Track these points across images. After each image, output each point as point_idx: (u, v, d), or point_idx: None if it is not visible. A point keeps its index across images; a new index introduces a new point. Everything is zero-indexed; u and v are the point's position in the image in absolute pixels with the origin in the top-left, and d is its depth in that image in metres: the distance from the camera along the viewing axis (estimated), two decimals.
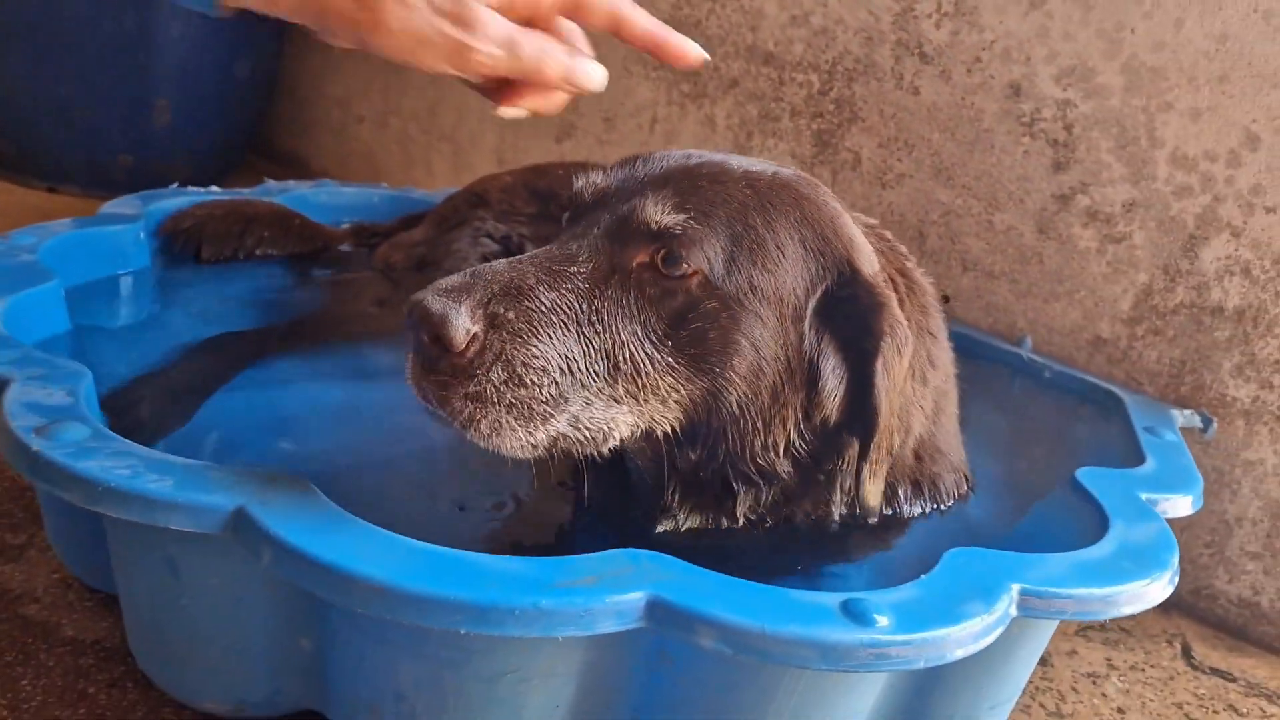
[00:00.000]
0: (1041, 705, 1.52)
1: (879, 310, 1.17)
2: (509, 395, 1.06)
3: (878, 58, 2.13)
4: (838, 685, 1.03)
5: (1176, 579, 1.20)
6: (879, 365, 1.16)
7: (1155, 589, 1.15)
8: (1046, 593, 1.07)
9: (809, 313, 1.18)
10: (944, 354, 1.42)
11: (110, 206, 1.85)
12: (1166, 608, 1.84)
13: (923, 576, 1.04)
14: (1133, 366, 1.86)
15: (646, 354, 1.13)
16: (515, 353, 1.07)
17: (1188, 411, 1.75)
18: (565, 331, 1.10)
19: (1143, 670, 1.64)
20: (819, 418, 1.20)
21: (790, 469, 1.22)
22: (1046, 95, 1.91)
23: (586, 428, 1.12)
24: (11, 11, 2.86)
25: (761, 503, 1.25)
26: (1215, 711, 1.57)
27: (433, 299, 1.05)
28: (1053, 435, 1.76)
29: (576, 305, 1.12)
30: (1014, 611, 1.05)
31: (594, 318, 1.12)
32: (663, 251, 1.14)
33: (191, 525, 0.96)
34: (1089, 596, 1.09)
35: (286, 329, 1.76)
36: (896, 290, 1.30)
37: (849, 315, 1.19)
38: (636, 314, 1.14)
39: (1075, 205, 1.90)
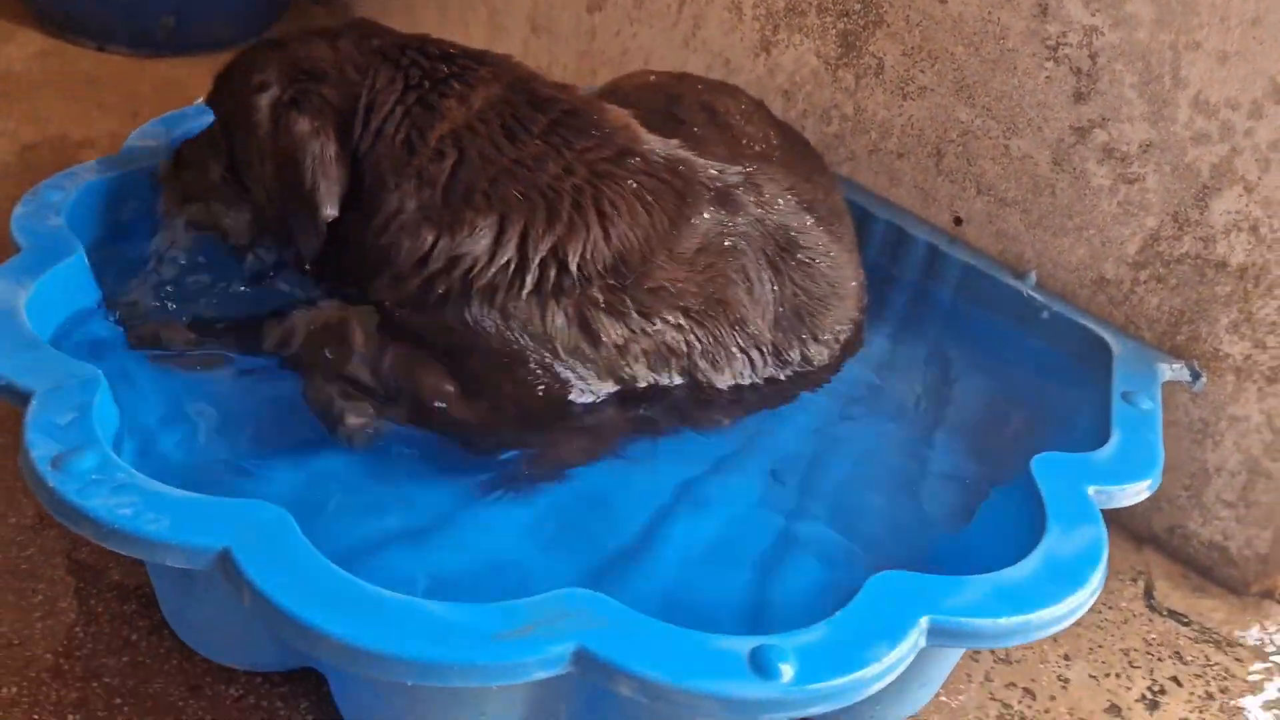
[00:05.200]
0: (990, 649, 1.64)
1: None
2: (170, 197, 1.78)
3: None
4: None
5: (1099, 590, 1.28)
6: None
7: (1073, 609, 1.24)
8: (956, 624, 1.17)
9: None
10: (461, 117, 1.55)
11: (136, 138, 1.91)
12: (1139, 543, 1.93)
13: (836, 613, 1.14)
14: (1133, 310, 1.85)
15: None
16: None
17: (1178, 365, 1.76)
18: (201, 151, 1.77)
19: (1099, 612, 1.75)
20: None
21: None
22: (1074, 19, 1.81)
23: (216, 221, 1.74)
24: None
25: None
26: (1160, 660, 1.68)
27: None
28: (1027, 402, 1.80)
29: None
30: (922, 643, 1.16)
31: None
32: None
33: (186, 564, 1.11)
34: (999, 629, 1.18)
35: None
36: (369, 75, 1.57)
37: None
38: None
39: (1092, 140, 1.83)
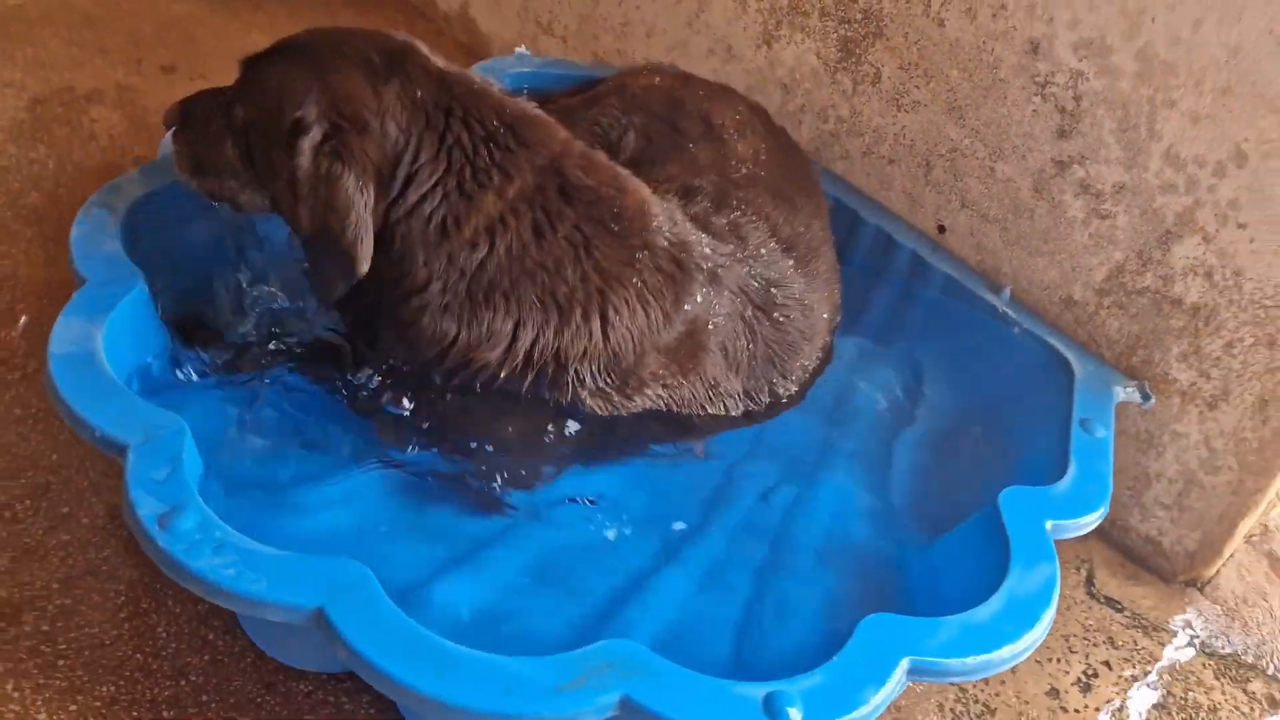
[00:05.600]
0: None
1: (295, 137, 1.61)
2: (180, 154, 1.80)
3: None
4: None
5: (1051, 623, 1.52)
6: (298, 164, 1.61)
7: (1030, 644, 1.47)
8: (932, 665, 1.40)
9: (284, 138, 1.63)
10: (497, 224, 1.64)
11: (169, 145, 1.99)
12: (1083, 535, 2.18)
13: (834, 658, 1.36)
14: (1095, 330, 2.04)
15: (234, 154, 1.74)
16: (186, 138, 1.79)
17: (1130, 388, 1.97)
18: (209, 129, 1.76)
19: None
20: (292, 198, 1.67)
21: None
22: (1062, 61, 1.94)
23: (224, 191, 1.78)
24: None
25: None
26: (1095, 645, 1.95)
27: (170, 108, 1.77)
28: (990, 414, 2.00)
29: (217, 120, 1.75)
30: (904, 682, 1.39)
31: (222, 123, 1.74)
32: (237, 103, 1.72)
33: (284, 619, 1.29)
34: (967, 667, 1.41)
35: None
36: (416, 143, 1.62)
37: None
38: (228, 135, 1.74)
39: (1071, 174, 1.99)
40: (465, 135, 1.62)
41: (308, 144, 1.58)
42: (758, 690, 1.30)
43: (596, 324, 1.66)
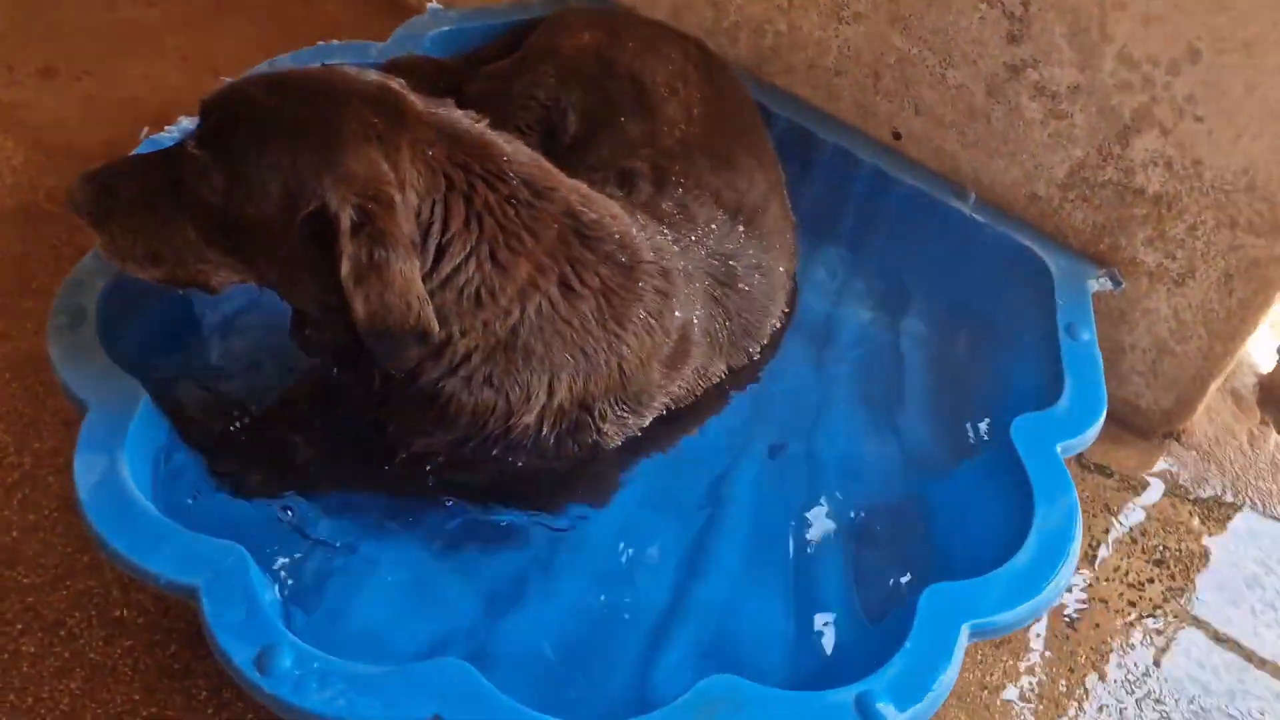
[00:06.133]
0: None
1: (335, 234, 1.44)
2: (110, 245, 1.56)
3: None
4: None
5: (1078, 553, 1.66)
6: (343, 271, 1.43)
7: (1065, 578, 1.61)
8: (989, 625, 1.53)
9: (297, 229, 1.46)
10: (527, 286, 1.58)
11: None
12: None
13: (905, 644, 1.48)
14: (1061, 223, 2.11)
15: (199, 237, 1.55)
16: (119, 221, 1.56)
17: (1101, 276, 2.06)
18: (151, 214, 1.55)
19: None
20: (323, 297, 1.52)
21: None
22: None
23: (182, 274, 1.60)
24: None
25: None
26: (1095, 514, 2.12)
27: (75, 185, 1.53)
28: (980, 330, 2.09)
29: (159, 200, 1.54)
30: (965, 645, 1.52)
31: (169, 205, 1.54)
32: (199, 176, 1.50)
33: None
34: (1018, 618, 1.55)
35: None
36: (446, 210, 1.51)
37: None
38: (192, 210, 1.53)
39: (1025, 78, 2.00)
40: (491, 196, 1.54)
41: (345, 238, 1.44)
42: (847, 694, 1.42)
43: (615, 364, 1.67)
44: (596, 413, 1.70)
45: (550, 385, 1.64)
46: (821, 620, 1.73)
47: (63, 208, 1.61)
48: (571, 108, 2.10)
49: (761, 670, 1.63)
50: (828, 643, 1.72)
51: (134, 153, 1.95)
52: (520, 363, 1.61)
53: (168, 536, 1.47)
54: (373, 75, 1.57)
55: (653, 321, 1.71)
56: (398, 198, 1.47)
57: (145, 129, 2.06)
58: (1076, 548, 1.64)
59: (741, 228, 1.94)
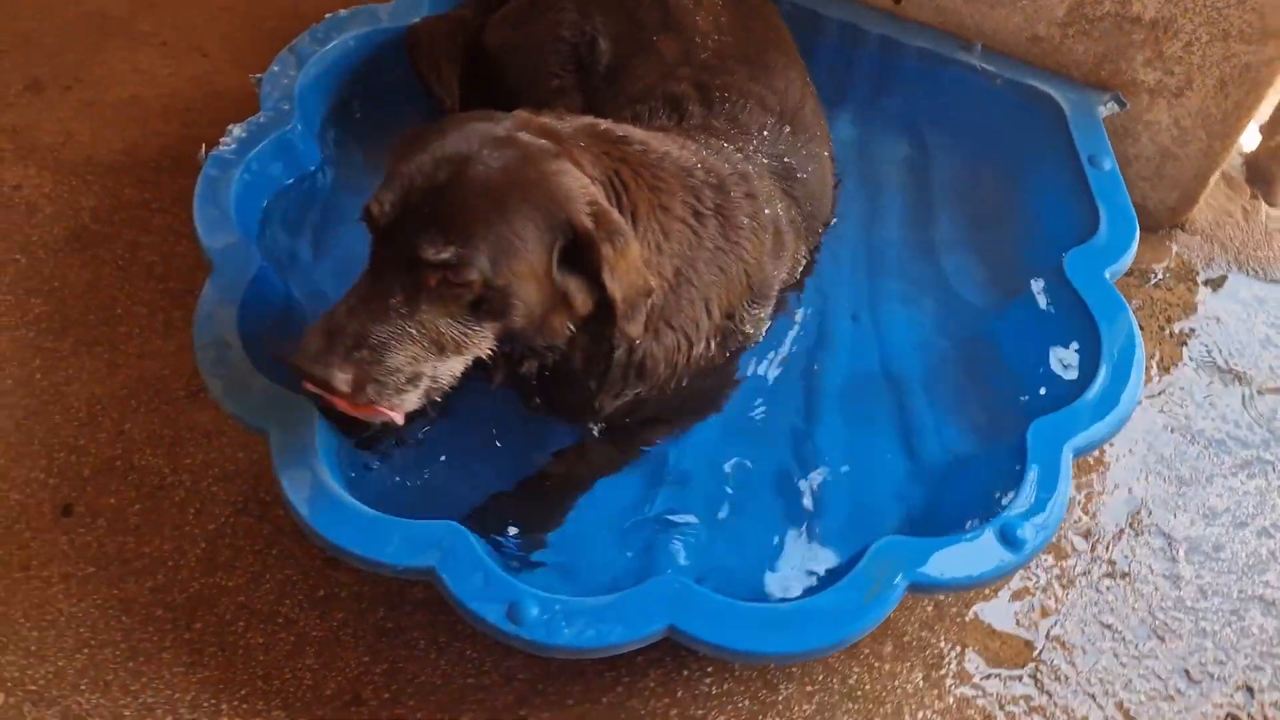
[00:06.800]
0: None
1: (593, 244, 1.59)
2: (379, 394, 1.57)
3: None
4: None
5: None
6: (605, 272, 1.60)
7: (1138, 381, 1.87)
8: (1089, 442, 1.80)
9: (554, 266, 1.62)
10: (679, 225, 1.79)
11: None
12: None
13: (1027, 474, 1.73)
14: (1063, 58, 2.28)
15: (459, 330, 1.60)
16: (377, 372, 1.55)
17: (1108, 100, 2.25)
18: (403, 342, 1.56)
19: None
20: (580, 315, 1.69)
21: (570, 342, 1.74)
22: None
23: (439, 379, 1.63)
24: None
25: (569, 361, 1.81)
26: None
27: (314, 367, 1.51)
28: (1005, 173, 2.28)
29: (403, 324, 1.56)
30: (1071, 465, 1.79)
31: (417, 325, 1.56)
32: (448, 273, 1.54)
33: (638, 644, 1.60)
34: (1108, 429, 1.83)
35: None
36: (618, 189, 1.69)
37: (579, 252, 1.62)
38: (444, 310, 1.57)
39: None
40: (635, 168, 1.73)
41: (600, 244, 1.58)
42: (991, 530, 1.69)
43: (742, 269, 1.88)
44: (738, 318, 1.92)
45: (708, 308, 1.84)
46: (926, 461, 2.01)
47: (292, 366, 1.56)
48: (600, 35, 2.18)
49: (881, 515, 1.92)
50: (934, 481, 2.00)
51: (203, 172, 2.04)
52: (685, 298, 1.81)
53: (393, 529, 1.66)
54: (502, 115, 1.66)
55: (754, 223, 1.90)
56: (601, 194, 1.63)
57: (203, 148, 2.10)
58: (1142, 360, 1.90)
59: (788, 128, 2.09)
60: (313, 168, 2.26)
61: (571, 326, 1.70)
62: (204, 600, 1.90)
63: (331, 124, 2.33)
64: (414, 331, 1.56)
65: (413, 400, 1.63)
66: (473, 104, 2.30)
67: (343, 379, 1.52)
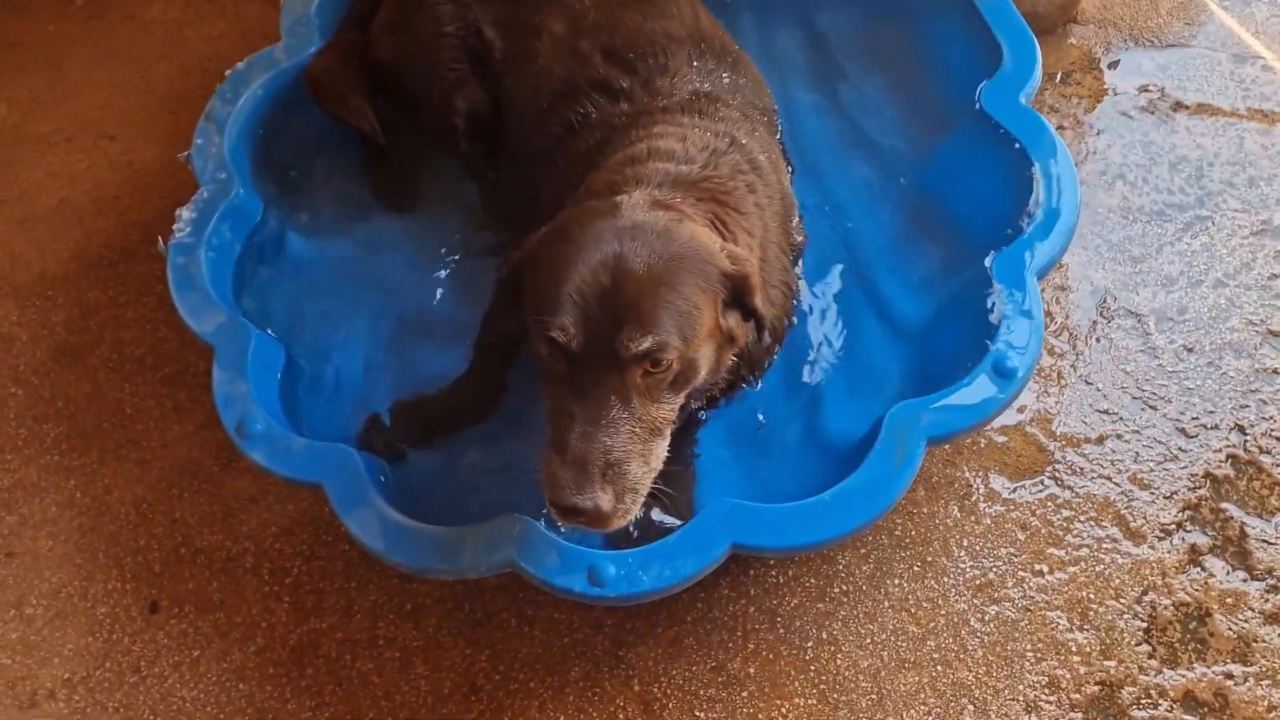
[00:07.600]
0: None
1: (745, 282, 1.72)
2: (634, 501, 1.66)
3: None
4: None
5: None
6: (757, 301, 1.74)
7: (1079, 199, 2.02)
8: (1048, 263, 1.95)
9: (721, 316, 1.73)
10: (758, 220, 1.94)
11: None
12: None
13: (1005, 309, 1.89)
14: None
15: (667, 410, 1.71)
16: (627, 482, 1.63)
17: None
18: (633, 443, 1.64)
19: None
20: (743, 345, 1.83)
21: (733, 365, 1.89)
22: None
23: (660, 462, 1.73)
24: None
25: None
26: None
27: (582, 501, 1.58)
28: (908, 31, 2.37)
29: (629, 427, 1.63)
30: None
31: (637, 422, 1.65)
32: (648, 363, 1.63)
33: (710, 569, 1.76)
34: (1065, 247, 1.97)
35: None
36: (717, 221, 1.83)
37: (735, 294, 1.74)
38: (652, 397, 1.67)
39: None
40: (710, 196, 1.86)
41: (751, 279, 1.71)
42: (985, 367, 1.84)
43: (779, 197, 2.03)
44: (791, 237, 2.08)
45: (780, 249, 1.99)
46: (904, 326, 2.16)
47: None
48: (482, 23, 2.21)
49: (881, 383, 2.09)
50: (917, 340, 2.15)
51: (170, 263, 2.11)
52: (770, 255, 1.94)
53: (466, 538, 1.80)
54: (602, 202, 1.75)
55: (769, 156, 2.03)
56: (717, 236, 1.77)
57: (159, 241, 2.16)
58: (1074, 171, 2.04)
59: (703, 44, 2.15)
60: (259, 218, 2.31)
61: (735, 356, 1.84)
62: (307, 647, 2.04)
63: (265, 170, 2.37)
64: (638, 430, 1.64)
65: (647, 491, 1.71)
66: (390, 116, 2.36)
67: (606, 500, 1.59)
